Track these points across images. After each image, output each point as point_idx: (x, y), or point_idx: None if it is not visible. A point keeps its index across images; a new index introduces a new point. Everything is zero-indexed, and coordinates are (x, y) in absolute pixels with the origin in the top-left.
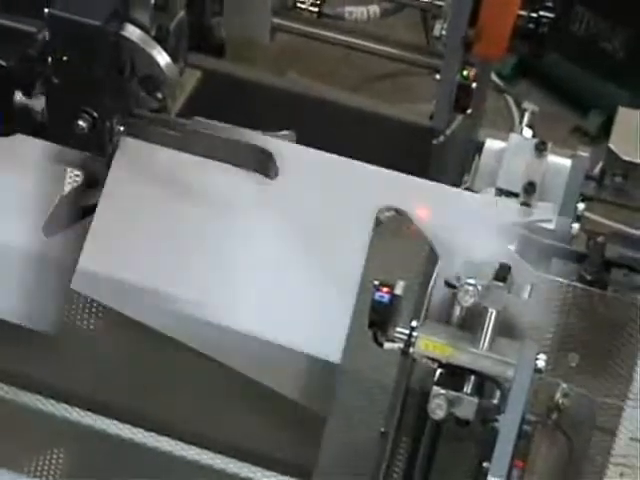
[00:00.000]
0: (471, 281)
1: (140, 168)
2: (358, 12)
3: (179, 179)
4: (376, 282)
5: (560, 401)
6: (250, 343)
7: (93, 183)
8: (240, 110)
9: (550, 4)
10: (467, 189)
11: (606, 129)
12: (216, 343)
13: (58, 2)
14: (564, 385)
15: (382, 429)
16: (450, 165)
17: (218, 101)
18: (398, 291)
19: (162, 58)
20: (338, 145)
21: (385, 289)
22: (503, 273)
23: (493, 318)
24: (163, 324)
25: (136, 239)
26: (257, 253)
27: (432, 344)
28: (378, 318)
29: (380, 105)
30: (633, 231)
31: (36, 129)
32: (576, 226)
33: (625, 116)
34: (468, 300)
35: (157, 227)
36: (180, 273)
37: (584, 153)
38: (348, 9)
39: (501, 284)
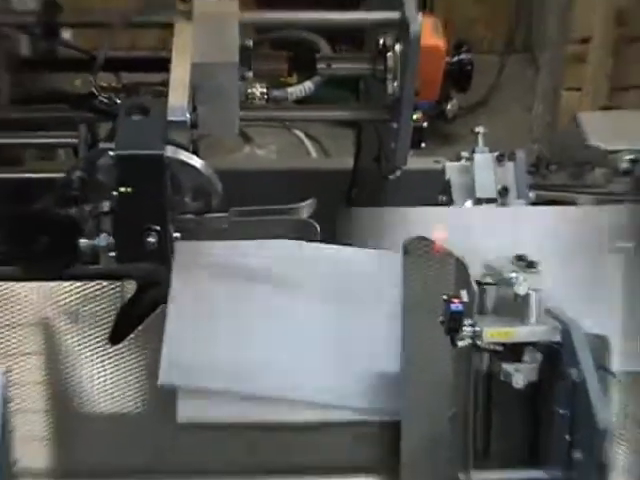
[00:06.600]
0: (513, 275)
1: (199, 264)
2: (297, 90)
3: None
4: (444, 297)
5: None
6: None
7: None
8: None
9: (465, 48)
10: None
11: None
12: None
13: (118, 144)
14: None
15: (450, 412)
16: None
17: None
18: (465, 298)
19: (208, 170)
20: None
21: (456, 300)
22: (529, 261)
23: (535, 298)
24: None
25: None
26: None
27: (496, 332)
28: (456, 324)
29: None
30: None
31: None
32: None
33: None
34: (523, 290)
35: (230, 317)
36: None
37: (521, 154)
38: (289, 90)
39: (534, 269)
